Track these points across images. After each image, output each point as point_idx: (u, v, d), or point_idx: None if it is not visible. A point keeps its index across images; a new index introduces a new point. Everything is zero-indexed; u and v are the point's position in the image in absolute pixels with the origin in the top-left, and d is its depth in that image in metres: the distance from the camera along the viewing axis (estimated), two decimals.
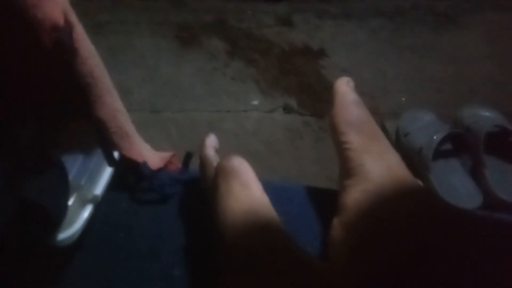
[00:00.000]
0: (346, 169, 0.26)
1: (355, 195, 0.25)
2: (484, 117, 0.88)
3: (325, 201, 0.31)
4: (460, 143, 0.88)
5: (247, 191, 0.26)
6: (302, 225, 0.31)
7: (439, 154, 0.88)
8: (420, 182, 0.26)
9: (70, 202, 0.28)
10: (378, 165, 0.25)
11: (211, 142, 0.33)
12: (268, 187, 0.27)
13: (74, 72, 0.27)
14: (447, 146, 0.91)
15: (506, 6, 1.70)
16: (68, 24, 0.25)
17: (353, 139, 0.26)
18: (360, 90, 0.29)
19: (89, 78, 0.28)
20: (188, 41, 1.60)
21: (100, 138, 0.29)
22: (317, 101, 1.33)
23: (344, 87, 0.28)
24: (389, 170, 0.25)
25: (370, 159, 0.25)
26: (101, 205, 0.32)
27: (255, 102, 1.32)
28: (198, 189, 0.32)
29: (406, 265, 0.21)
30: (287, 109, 1.29)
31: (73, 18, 0.27)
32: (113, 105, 0.31)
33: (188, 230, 0.32)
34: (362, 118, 0.27)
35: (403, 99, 1.33)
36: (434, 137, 0.85)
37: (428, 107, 1.02)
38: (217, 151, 0.33)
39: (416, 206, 0.23)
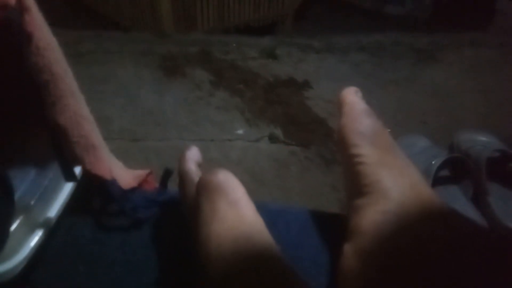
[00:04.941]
0: (359, 186, 0.23)
1: (372, 216, 0.21)
2: (482, 141, 0.85)
3: (329, 225, 0.27)
4: (459, 169, 0.84)
5: (236, 212, 0.21)
6: (303, 254, 0.26)
7: (438, 181, 0.83)
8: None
9: (13, 226, 0.22)
10: (398, 182, 0.22)
11: (193, 155, 0.28)
12: (262, 210, 0.22)
13: (29, 65, 0.22)
14: (445, 172, 0.86)
15: (481, 43, 1.77)
16: (20, 4, 0.21)
17: (367, 152, 0.23)
18: None
19: (47, 74, 0.23)
20: (172, 71, 1.58)
21: (57, 148, 0.24)
22: (303, 131, 1.31)
23: (353, 97, 0.26)
24: (412, 188, 0.22)
25: (388, 174, 0.22)
26: (57, 232, 0.26)
27: (240, 132, 1.29)
28: (177, 212, 0.27)
29: None
30: (272, 139, 1.26)
31: (31, 2, 0.22)
32: (77, 110, 0.26)
33: (164, 261, 0.27)
34: (376, 129, 0.24)
35: (388, 130, 1.32)
36: (433, 162, 0.80)
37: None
38: (200, 166, 0.28)
39: (447, 230, 0.20)
